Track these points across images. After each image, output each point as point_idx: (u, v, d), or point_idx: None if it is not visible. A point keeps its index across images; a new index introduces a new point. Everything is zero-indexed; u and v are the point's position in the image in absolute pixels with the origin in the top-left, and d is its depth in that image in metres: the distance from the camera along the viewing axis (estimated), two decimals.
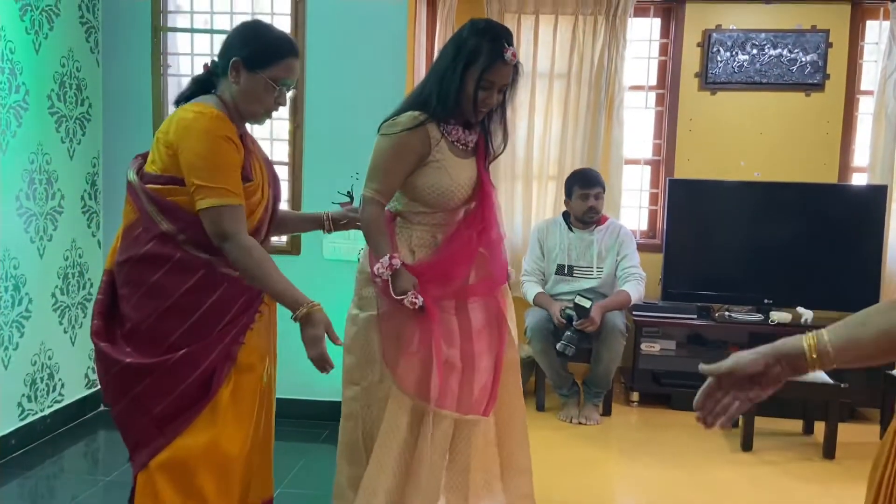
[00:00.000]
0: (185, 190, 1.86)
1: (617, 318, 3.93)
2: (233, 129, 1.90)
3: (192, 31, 3.85)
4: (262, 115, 2.00)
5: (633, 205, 4.72)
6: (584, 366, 4.13)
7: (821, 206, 4.36)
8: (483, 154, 2.38)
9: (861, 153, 4.53)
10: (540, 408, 4.14)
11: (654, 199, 4.74)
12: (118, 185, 3.32)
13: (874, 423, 4.02)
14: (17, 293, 3.29)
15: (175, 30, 3.85)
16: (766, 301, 4.32)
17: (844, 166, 4.53)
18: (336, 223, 2.32)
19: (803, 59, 4.45)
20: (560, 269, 4.12)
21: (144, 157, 1.98)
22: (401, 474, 2.24)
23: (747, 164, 4.54)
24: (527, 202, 4.56)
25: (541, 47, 4.48)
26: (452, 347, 2.27)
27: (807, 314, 4.21)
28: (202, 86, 1.99)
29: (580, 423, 3.96)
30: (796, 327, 4.19)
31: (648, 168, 4.73)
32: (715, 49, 4.49)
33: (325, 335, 1.87)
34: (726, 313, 4.36)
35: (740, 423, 3.64)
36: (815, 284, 4.32)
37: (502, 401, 2.39)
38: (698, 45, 4.52)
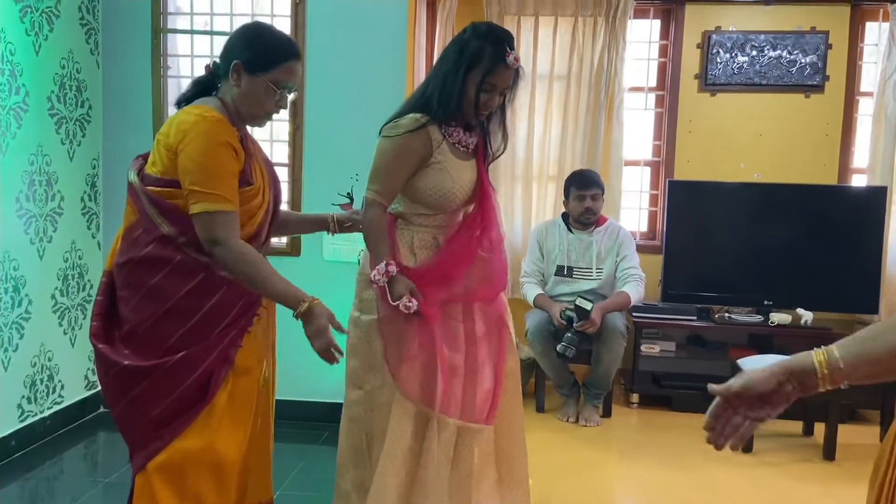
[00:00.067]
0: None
1: (617, 320, 3.93)
2: (233, 134, 1.89)
3: (192, 32, 3.85)
4: (262, 118, 2.00)
5: (633, 206, 4.72)
6: (584, 367, 4.13)
7: (820, 208, 4.36)
8: (483, 155, 2.38)
9: (861, 154, 4.54)
10: (540, 409, 4.14)
11: (653, 200, 4.74)
12: (118, 187, 3.32)
13: (874, 425, 4.02)
14: (17, 295, 3.29)
15: (175, 31, 3.85)
16: (765, 302, 4.32)
17: (844, 168, 4.53)
18: (341, 225, 2.33)
19: (803, 61, 4.46)
20: (559, 271, 4.12)
21: (145, 157, 1.98)
22: (407, 485, 2.23)
23: (747, 165, 4.54)
24: (527, 203, 4.56)
25: (540, 49, 4.48)
26: (457, 353, 2.27)
27: (807, 315, 4.21)
28: (203, 87, 1.99)
29: (580, 425, 3.96)
30: (796, 328, 4.20)
31: (648, 169, 4.73)
32: (714, 50, 4.50)
33: (330, 326, 1.88)
34: (726, 314, 4.36)
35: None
36: (815, 286, 4.32)
37: (501, 409, 2.39)
38: (698, 46, 4.53)
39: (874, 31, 4.46)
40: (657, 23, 4.64)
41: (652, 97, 4.67)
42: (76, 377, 3.72)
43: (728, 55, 4.49)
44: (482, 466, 2.36)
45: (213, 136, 1.84)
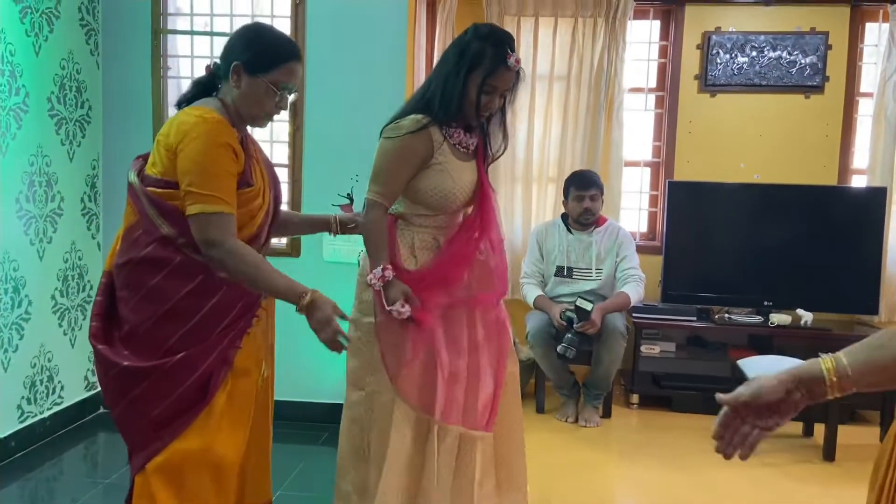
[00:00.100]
0: None
1: (618, 320, 3.93)
2: (233, 135, 1.89)
3: (192, 33, 3.85)
4: (263, 119, 1.99)
5: (633, 207, 4.72)
6: (584, 368, 4.13)
7: (820, 208, 4.36)
8: (483, 157, 2.39)
9: (860, 155, 4.54)
10: (540, 410, 4.14)
11: (653, 201, 4.75)
12: (118, 188, 3.33)
13: (874, 426, 4.02)
14: (17, 295, 3.29)
15: (175, 32, 3.85)
16: (765, 303, 4.32)
17: (844, 168, 4.53)
18: (344, 227, 2.33)
19: (803, 62, 4.46)
20: (559, 271, 4.12)
21: (145, 158, 1.97)
22: (412, 497, 2.24)
23: (747, 166, 4.54)
24: (526, 204, 4.56)
25: (540, 50, 4.48)
26: (460, 358, 2.27)
27: (806, 316, 4.21)
28: (204, 88, 1.99)
29: (580, 425, 3.96)
30: (796, 329, 4.20)
31: (648, 170, 4.73)
32: (714, 51, 4.50)
33: (335, 316, 1.87)
34: (726, 315, 4.36)
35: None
36: (815, 286, 4.32)
37: (501, 414, 2.39)
38: (698, 47, 4.53)
39: (874, 32, 4.46)
40: (657, 23, 4.64)
41: (652, 98, 4.67)
42: (76, 378, 3.72)
43: (728, 56, 4.49)
44: (482, 472, 2.36)
45: (212, 137, 1.84)
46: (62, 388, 3.61)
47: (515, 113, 4.30)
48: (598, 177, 4.15)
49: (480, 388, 2.29)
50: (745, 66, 4.49)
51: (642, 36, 4.61)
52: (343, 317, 1.91)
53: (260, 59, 1.91)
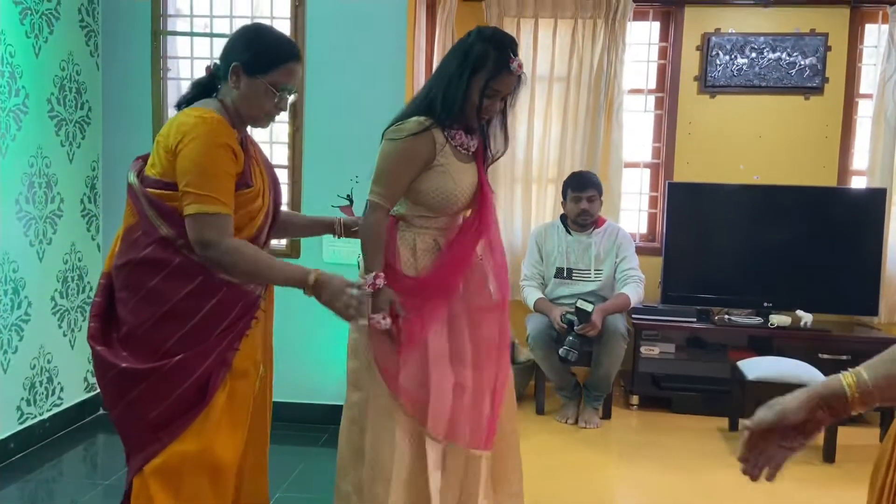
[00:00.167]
0: None
1: (618, 322, 3.93)
2: (232, 135, 1.89)
3: (192, 34, 3.85)
4: (263, 120, 1.99)
5: (633, 208, 4.72)
6: (584, 369, 4.13)
7: (820, 210, 4.36)
8: (483, 158, 2.39)
9: (860, 156, 4.54)
10: (540, 411, 4.14)
11: (653, 202, 4.75)
12: (118, 189, 3.32)
13: (874, 427, 4.02)
14: (17, 297, 3.29)
15: (175, 33, 3.85)
16: (765, 304, 4.32)
17: (843, 169, 4.53)
18: (347, 229, 2.33)
19: (802, 63, 4.46)
20: (559, 273, 4.12)
21: (145, 158, 1.97)
22: None
23: (746, 167, 4.54)
24: (526, 205, 4.57)
25: (540, 51, 4.48)
26: (465, 369, 2.27)
27: (806, 317, 4.21)
28: (203, 89, 1.99)
29: (580, 427, 3.96)
30: (796, 330, 4.20)
31: (648, 171, 4.73)
32: (714, 52, 4.50)
33: (346, 285, 1.85)
34: (726, 316, 4.36)
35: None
36: (815, 287, 4.32)
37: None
38: (697, 48, 4.53)
39: (873, 33, 4.46)
40: (657, 25, 4.64)
41: (651, 99, 4.67)
42: (76, 379, 3.72)
43: (727, 57, 4.49)
44: (483, 491, 2.36)
45: (212, 137, 1.83)
46: (62, 389, 3.61)
47: (515, 114, 4.27)
48: (597, 178, 4.15)
49: (483, 401, 2.29)
50: (744, 67, 4.49)
51: (642, 37, 4.61)
52: (353, 285, 1.87)
53: (259, 60, 1.90)
